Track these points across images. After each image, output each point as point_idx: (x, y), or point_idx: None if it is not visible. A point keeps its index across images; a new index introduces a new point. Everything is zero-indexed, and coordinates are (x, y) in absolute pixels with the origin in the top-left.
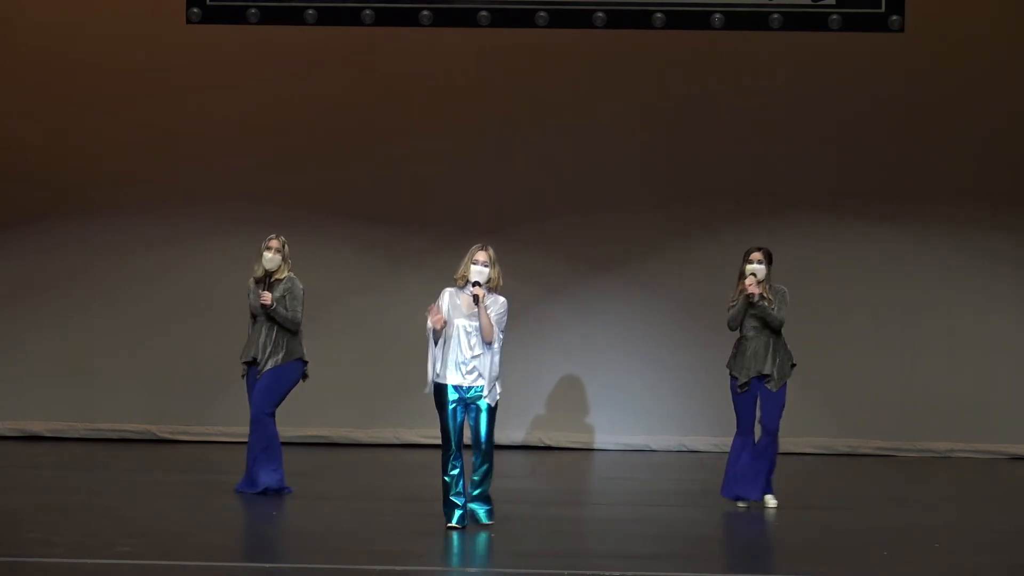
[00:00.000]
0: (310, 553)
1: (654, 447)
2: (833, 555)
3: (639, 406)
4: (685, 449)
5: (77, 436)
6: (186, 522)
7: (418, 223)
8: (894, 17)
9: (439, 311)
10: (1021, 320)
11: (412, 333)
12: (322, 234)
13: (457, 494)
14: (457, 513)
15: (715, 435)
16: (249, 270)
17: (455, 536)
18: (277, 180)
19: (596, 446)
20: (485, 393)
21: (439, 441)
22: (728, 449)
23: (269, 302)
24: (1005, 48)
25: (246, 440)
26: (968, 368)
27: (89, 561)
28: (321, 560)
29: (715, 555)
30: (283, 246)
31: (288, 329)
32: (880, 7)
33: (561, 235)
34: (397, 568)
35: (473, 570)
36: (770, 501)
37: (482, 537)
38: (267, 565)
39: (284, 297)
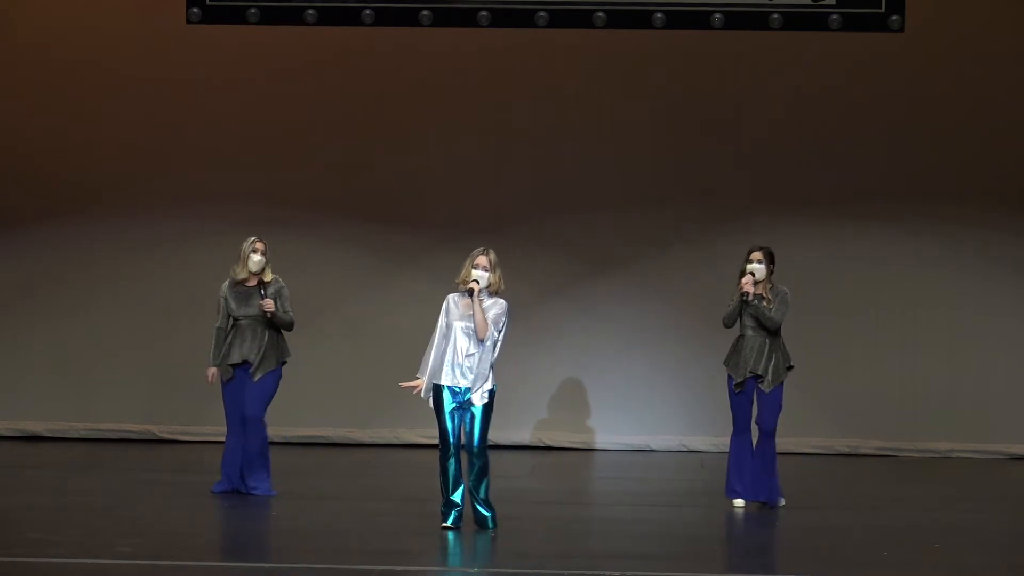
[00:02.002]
0: (310, 553)
1: (654, 447)
2: (833, 555)
3: (639, 406)
4: (685, 449)
5: (77, 436)
6: (186, 522)
7: (418, 223)
8: (894, 17)
9: (411, 385)
10: (1021, 320)
11: (412, 333)
12: (322, 234)
13: (454, 495)
14: (453, 513)
15: (715, 435)
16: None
17: (454, 536)
18: (277, 180)
19: (596, 446)
20: (473, 391)
21: (439, 441)
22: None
23: (273, 308)
24: (1004, 48)
25: None
26: (968, 368)
27: (89, 561)
28: (321, 560)
29: (715, 555)
30: (266, 247)
31: (279, 331)
32: (880, 7)
33: (561, 235)
34: (397, 568)
35: (473, 570)
36: (780, 501)
37: (482, 537)
38: (267, 565)
39: (277, 300)
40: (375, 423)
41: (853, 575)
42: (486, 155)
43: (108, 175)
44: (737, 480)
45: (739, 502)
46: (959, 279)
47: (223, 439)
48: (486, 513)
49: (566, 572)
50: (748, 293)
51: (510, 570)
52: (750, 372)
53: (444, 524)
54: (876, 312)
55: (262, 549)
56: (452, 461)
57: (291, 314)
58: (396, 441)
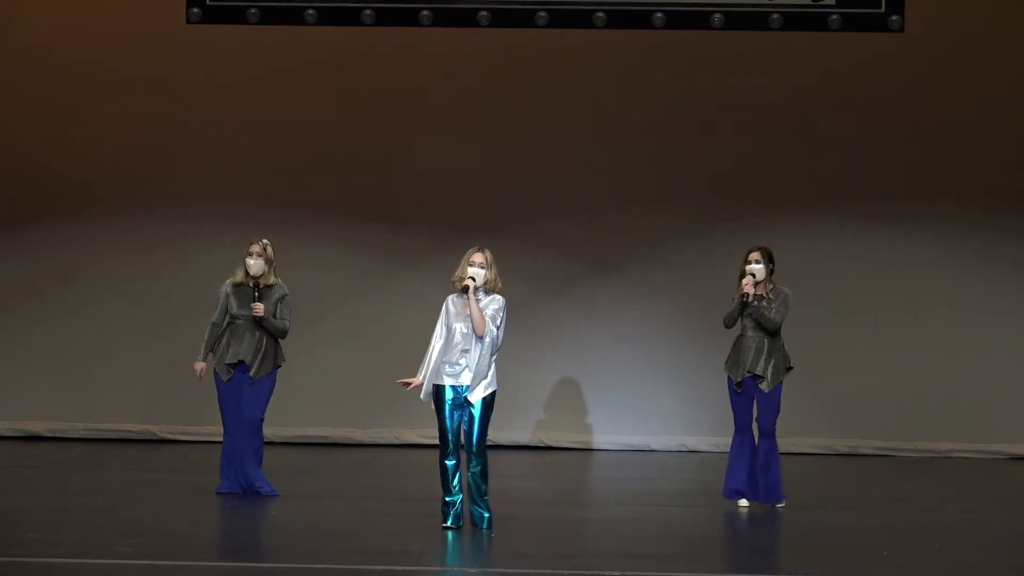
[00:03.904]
0: (310, 553)
1: (654, 447)
2: (833, 555)
3: (639, 406)
4: (685, 449)
5: (77, 436)
6: (186, 522)
7: (418, 223)
8: (894, 17)
9: (407, 381)
10: (1021, 320)
11: (412, 333)
12: (322, 234)
13: (453, 494)
14: (452, 513)
15: (715, 435)
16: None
17: (454, 536)
18: (277, 180)
19: (596, 446)
20: (471, 389)
21: (439, 441)
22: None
23: (263, 314)
24: (1005, 48)
25: None
26: (968, 368)
27: (89, 561)
28: (321, 560)
29: (715, 555)
30: (265, 249)
31: (274, 336)
32: (880, 7)
33: (560, 235)
34: (397, 568)
35: (473, 570)
36: (780, 502)
37: (482, 537)
38: (267, 565)
39: (278, 306)
40: (375, 423)
41: (853, 575)
42: (486, 155)
43: (108, 175)
44: (735, 480)
45: (743, 502)
46: (959, 279)
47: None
48: (484, 514)
49: (566, 572)
50: (748, 294)
51: (510, 570)
52: (748, 372)
53: (444, 524)
54: (876, 312)
55: (262, 549)
56: (451, 460)
57: (287, 322)
58: (396, 441)
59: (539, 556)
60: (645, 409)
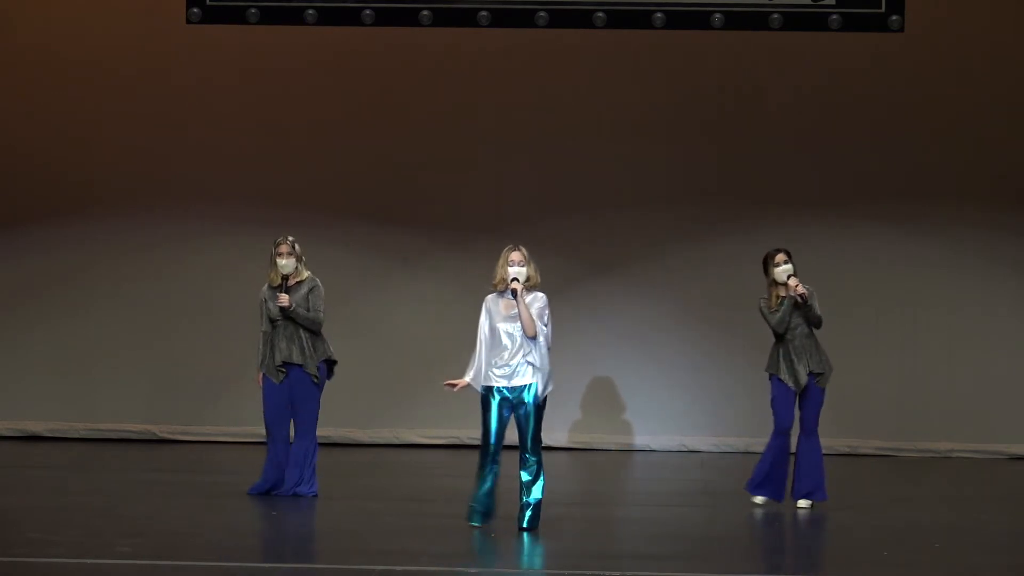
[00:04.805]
0: (310, 553)
1: (654, 447)
2: (833, 555)
3: (639, 406)
4: (685, 449)
5: (77, 436)
6: (186, 522)
7: (418, 223)
8: (894, 17)
9: (453, 383)
10: (1021, 320)
11: (412, 333)
12: (322, 234)
13: (482, 498)
14: (479, 513)
15: (715, 435)
16: (250, 269)
17: (454, 536)
18: (277, 180)
19: (596, 446)
20: (540, 388)
21: (439, 441)
22: (730, 449)
23: (288, 304)
24: (1005, 48)
25: (246, 440)
26: (968, 368)
27: (89, 561)
28: (321, 560)
29: (715, 555)
30: (293, 247)
31: (310, 330)
32: (880, 7)
33: (561, 235)
34: (397, 568)
35: (473, 570)
36: (802, 503)
37: (482, 537)
38: (267, 565)
39: (308, 298)
40: (375, 423)
41: (853, 575)
42: (486, 155)
43: (108, 175)
44: (767, 479)
45: (759, 499)
46: (959, 279)
47: (224, 439)
48: (531, 513)
49: (566, 572)
50: (805, 295)
51: (511, 570)
52: (811, 371)
53: (472, 523)
54: (876, 312)
55: (262, 549)
56: (489, 465)
57: (320, 314)
58: (396, 441)
59: (540, 556)
60: (645, 409)
